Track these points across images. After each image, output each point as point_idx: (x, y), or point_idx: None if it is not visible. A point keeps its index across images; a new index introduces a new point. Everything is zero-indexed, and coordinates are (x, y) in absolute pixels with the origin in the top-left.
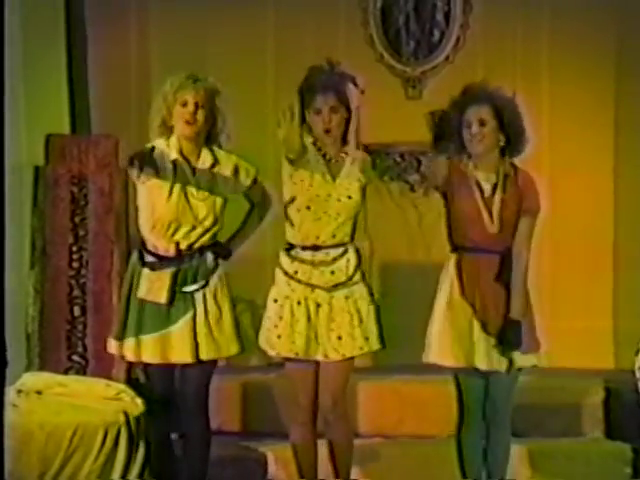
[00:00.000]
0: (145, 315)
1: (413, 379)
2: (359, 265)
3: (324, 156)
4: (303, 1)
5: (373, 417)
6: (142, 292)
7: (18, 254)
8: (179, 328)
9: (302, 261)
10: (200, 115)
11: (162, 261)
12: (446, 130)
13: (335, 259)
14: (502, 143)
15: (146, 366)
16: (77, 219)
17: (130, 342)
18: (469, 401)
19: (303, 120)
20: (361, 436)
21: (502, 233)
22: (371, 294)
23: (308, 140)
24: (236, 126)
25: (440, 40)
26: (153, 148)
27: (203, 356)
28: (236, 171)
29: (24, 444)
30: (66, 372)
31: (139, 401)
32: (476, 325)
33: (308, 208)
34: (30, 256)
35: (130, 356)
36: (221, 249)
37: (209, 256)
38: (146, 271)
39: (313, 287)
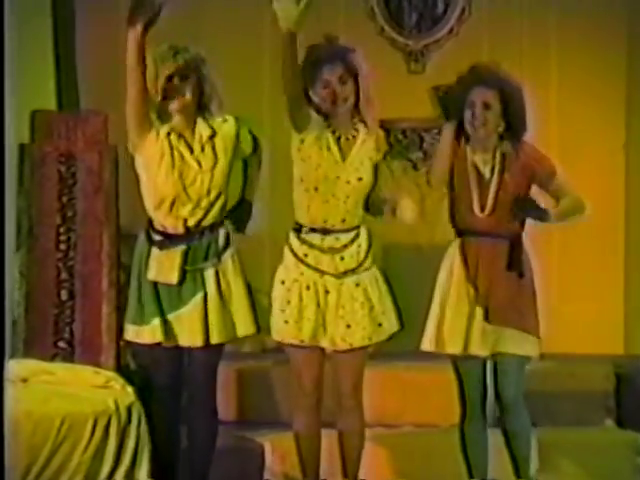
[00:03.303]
0: (161, 296)
1: (415, 366)
2: (370, 249)
3: (334, 132)
4: None
5: (374, 405)
6: (152, 274)
7: (3, 236)
8: (189, 310)
9: (311, 245)
10: (186, 87)
11: (171, 240)
12: (448, 108)
13: (345, 245)
14: (501, 129)
15: (151, 350)
16: (65, 199)
17: (156, 322)
18: (469, 390)
19: (309, 100)
20: None
21: (495, 216)
22: (385, 278)
23: (319, 119)
24: (231, 101)
25: (444, 12)
26: None
27: (214, 339)
28: (237, 139)
29: (10, 434)
30: (52, 359)
31: (130, 389)
32: (478, 311)
33: (316, 189)
34: (16, 238)
35: (160, 337)
36: (237, 213)
37: (221, 233)
38: (155, 251)
39: (322, 273)
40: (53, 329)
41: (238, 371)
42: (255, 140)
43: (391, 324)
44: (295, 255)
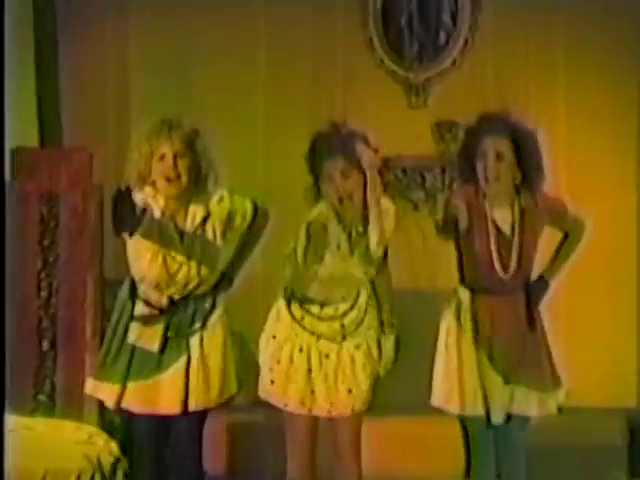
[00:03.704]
0: (135, 358)
1: (416, 419)
2: (368, 302)
3: (344, 229)
4: (297, 0)
5: (374, 460)
6: (132, 337)
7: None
8: (170, 375)
9: (308, 311)
10: (181, 167)
11: (154, 311)
12: (458, 160)
13: (345, 313)
14: (517, 181)
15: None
16: (46, 242)
17: (115, 388)
18: (476, 444)
19: (318, 192)
20: None
21: (517, 274)
22: (391, 324)
23: (330, 213)
24: (222, 140)
25: (446, 42)
26: (128, 189)
27: (192, 406)
28: (230, 218)
29: None
30: (32, 413)
31: (113, 445)
32: (494, 373)
33: (319, 281)
34: None
35: (111, 403)
36: (221, 286)
37: (208, 298)
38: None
39: (319, 336)
40: (33, 381)
41: (228, 425)
42: (256, 210)
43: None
44: (291, 314)
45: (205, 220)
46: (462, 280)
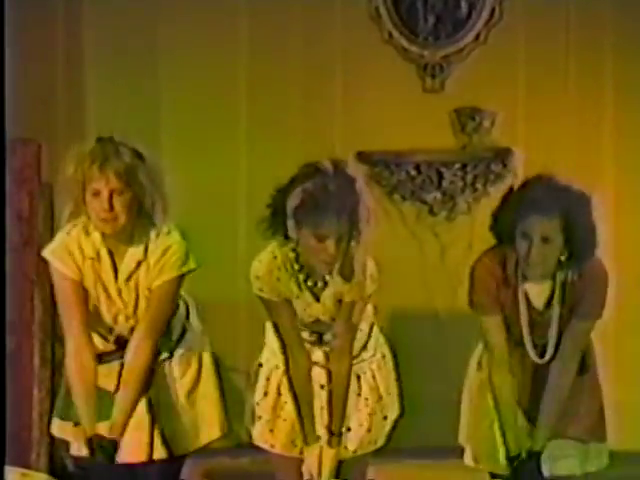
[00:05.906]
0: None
1: (432, 464)
2: (372, 328)
3: (306, 281)
4: None
5: None
6: None
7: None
8: (135, 413)
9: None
10: (119, 206)
11: (108, 345)
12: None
13: None
14: (563, 258)
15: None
16: None
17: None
18: None
19: (286, 236)
20: None
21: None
22: (393, 353)
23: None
24: (195, 131)
25: (468, 14)
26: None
27: (157, 454)
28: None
29: None
30: None
31: None
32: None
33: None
34: None
35: (83, 448)
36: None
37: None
38: None
39: (312, 363)
40: None
41: (207, 472)
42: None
43: (393, 412)
44: (279, 337)
45: (139, 266)
46: None
